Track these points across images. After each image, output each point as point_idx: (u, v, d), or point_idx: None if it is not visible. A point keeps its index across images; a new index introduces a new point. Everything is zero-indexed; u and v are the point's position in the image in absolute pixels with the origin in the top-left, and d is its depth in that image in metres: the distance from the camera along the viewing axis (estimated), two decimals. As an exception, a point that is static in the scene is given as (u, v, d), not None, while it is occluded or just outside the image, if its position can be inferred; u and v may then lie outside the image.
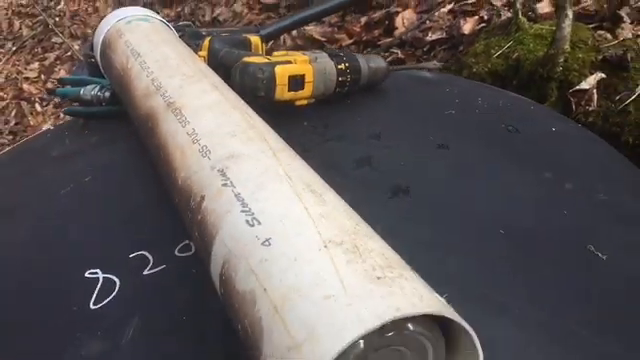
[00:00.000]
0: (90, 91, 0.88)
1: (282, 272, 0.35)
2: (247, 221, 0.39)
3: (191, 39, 0.88)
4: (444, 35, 1.91)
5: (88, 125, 0.87)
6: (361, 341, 0.32)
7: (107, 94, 0.87)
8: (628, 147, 1.41)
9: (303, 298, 0.33)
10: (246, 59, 0.71)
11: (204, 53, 0.84)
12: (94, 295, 0.56)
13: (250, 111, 0.55)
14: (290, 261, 0.35)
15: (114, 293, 0.56)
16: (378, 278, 0.33)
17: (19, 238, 0.66)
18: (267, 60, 0.72)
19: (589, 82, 1.44)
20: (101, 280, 0.57)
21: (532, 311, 0.54)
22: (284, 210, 0.39)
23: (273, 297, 0.34)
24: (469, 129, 0.77)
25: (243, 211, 0.40)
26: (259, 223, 0.39)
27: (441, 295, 0.35)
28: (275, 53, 0.76)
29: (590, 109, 1.44)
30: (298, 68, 0.73)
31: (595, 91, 1.44)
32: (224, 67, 0.77)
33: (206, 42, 0.85)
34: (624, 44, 1.48)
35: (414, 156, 0.70)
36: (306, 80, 0.74)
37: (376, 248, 0.36)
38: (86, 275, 0.58)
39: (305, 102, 0.76)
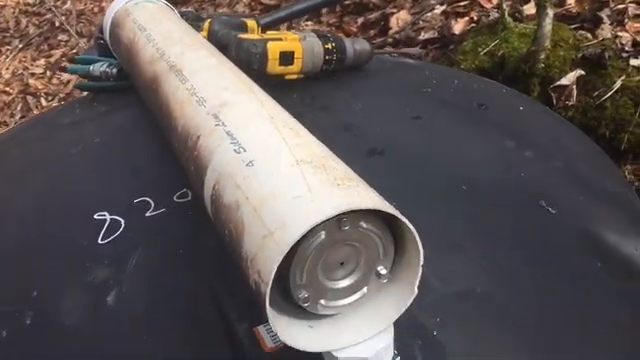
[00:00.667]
0: (99, 67, 0.96)
1: (261, 183, 0.43)
2: (235, 150, 0.47)
3: (193, 21, 0.96)
4: (436, 35, 1.99)
5: (97, 98, 0.95)
6: (322, 232, 0.39)
7: (115, 70, 0.95)
8: (605, 140, 1.49)
9: (277, 199, 0.40)
10: (241, 36, 0.80)
11: (205, 33, 0.92)
12: (102, 233, 0.64)
13: (242, 73, 0.63)
14: (268, 175, 0.43)
15: (119, 231, 0.64)
16: (338, 185, 0.41)
17: (37, 189, 0.74)
18: (260, 37, 0.80)
19: (569, 78, 1.52)
20: (108, 221, 0.65)
21: (483, 251, 0.62)
22: (266, 141, 0.47)
23: (253, 202, 0.42)
24: (443, 104, 0.85)
25: (232, 143, 0.48)
26: (244, 151, 0.47)
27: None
28: (268, 32, 0.84)
29: (570, 104, 1.52)
30: (288, 45, 0.81)
31: (575, 87, 1.52)
32: (222, 45, 0.85)
33: (206, 24, 0.93)
34: (603, 43, 1.56)
35: (390, 125, 0.78)
36: (296, 56, 0.82)
37: (339, 167, 0.44)
38: (95, 217, 0.66)
39: (295, 77, 0.84)
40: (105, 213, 0.66)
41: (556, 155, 0.77)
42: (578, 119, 1.50)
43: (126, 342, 0.55)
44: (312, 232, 0.38)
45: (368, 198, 0.40)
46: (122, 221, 0.65)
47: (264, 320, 0.39)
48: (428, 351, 0.47)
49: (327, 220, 0.38)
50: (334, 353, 0.42)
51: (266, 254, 0.38)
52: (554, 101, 1.53)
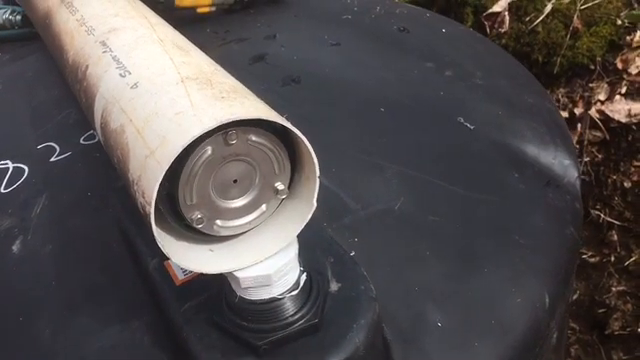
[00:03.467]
0: (1, 16, 0.90)
1: (145, 103, 0.40)
2: (120, 74, 0.44)
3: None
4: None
5: (1, 48, 0.89)
6: (209, 147, 0.37)
7: (19, 17, 0.89)
8: (538, 65, 1.50)
9: (159, 117, 0.38)
10: (144, -33, 0.75)
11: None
12: (4, 182, 0.61)
13: (138, 1, 0.59)
14: (151, 94, 0.40)
15: (23, 178, 0.61)
16: (222, 97, 0.38)
17: None
18: (165, -33, 0.76)
19: (501, 5, 1.52)
20: (11, 169, 0.62)
21: (402, 170, 0.61)
22: (152, 62, 0.44)
23: (137, 124, 0.40)
24: (363, 30, 0.83)
25: (118, 67, 0.45)
26: (130, 73, 0.44)
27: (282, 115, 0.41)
28: (175, -37, 0.80)
29: (503, 31, 1.52)
30: (196, -25, 0.77)
31: (507, 13, 1.52)
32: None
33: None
34: (532, -33, 1.55)
35: (307, 53, 0.76)
36: (205, -13, 0.78)
37: (228, 82, 0.42)
38: (-3, 166, 0.63)
39: (207, 10, 0.80)
40: (7, 161, 0.63)
41: (475, 73, 0.76)
42: (512, 46, 1.50)
43: (34, 290, 0.52)
44: (197, 148, 0.36)
45: (253, 108, 0.38)
46: (25, 168, 0.62)
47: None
48: (340, 267, 0.47)
49: (210, 133, 0.36)
50: (235, 273, 0.40)
51: (149, 174, 0.36)
52: (487, 29, 1.53)
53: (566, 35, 1.44)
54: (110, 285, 0.52)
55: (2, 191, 0.60)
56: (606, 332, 1.32)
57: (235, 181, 0.40)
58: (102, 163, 0.60)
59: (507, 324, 0.51)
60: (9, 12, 0.90)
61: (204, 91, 0.39)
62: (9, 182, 0.60)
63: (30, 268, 0.54)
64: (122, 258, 0.53)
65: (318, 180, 0.40)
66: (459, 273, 0.54)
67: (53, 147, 0.63)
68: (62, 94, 0.69)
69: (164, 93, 0.40)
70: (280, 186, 0.41)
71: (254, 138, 0.39)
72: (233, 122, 0.36)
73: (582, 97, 1.42)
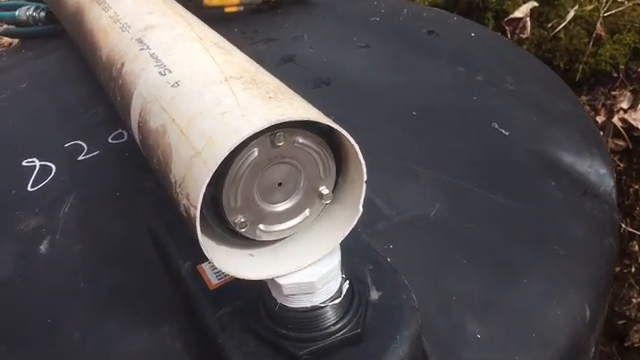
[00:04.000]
0: (25, 12, 0.89)
1: (188, 102, 0.39)
2: (160, 72, 0.43)
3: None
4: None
5: (25, 45, 0.89)
6: (255, 149, 0.36)
7: (42, 14, 0.89)
8: (560, 72, 1.48)
9: (204, 117, 0.37)
10: (174, -35, 0.74)
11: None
12: (31, 180, 0.60)
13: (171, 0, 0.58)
14: (194, 93, 0.39)
15: (50, 177, 0.60)
16: (270, 98, 0.37)
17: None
18: (194, -34, 0.75)
19: (522, 11, 1.50)
20: (38, 167, 0.61)
21: (437, 175, 0.59)
22: (193, 60, 0.43)
23: (179, 123, 0.38)
24: (391, 32, 0.81)
25: (157, 65, 0.44)
26: (170, 72, 0.43)
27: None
28: (203, -38, 0.79)
29: (524, 36, 1.50)
30: (225, -26, 0.76)
31: (528, 19, 1.50)
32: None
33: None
34: (554, -26, 1.53)
35: (336, 54, 0.75)
36: (234, -14, 0.77)
37: (272, 82, 0.40)
38: (23, 164, 0.61)
39: (235, 9, 0.79)
40: (34, 159, 0.61)
41: (507, 78, 0.75)
42: (533, 52, 1.48)
43: (62, 291, 0.51)
44: (243, 149, 0.35)
45: (302, 109, 0.36)
46: (53, 166, 0.61)
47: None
48: (379, 275, 0.45)
49: (258, 134, 0.34)
50: (277, 280, 0.39)
51: (194, 175, 0.35)
52: (508, 35, 1.51)
53: (589, 42, 1.42)
54: (139, 287, 0.51)
55: (29, 189, 0.58)
56: (626, 344, 1.30)
57: (280, 184, 0.39)
58: (131, 163, 0.59)
59: (548, 337, 0.49)
60: (33, 9, 0.89)
61: (250, 90, 0.38)
62: (36, 180, 0.59)
63: (58, 268, 0.52)
64: (151, 260, 0.52)
65: (365, 185, 0.39)
66: (498, 283, 0.52)
67: (81, 145, 0.62)
68: (88, 92, 0.68)
69: (208, 92, 0.39)
70: (325, 190, 0.40)
71: (301, 140, 0.37)
72: (282, 123, 0.35)
73: (604, 105, 1.41)
